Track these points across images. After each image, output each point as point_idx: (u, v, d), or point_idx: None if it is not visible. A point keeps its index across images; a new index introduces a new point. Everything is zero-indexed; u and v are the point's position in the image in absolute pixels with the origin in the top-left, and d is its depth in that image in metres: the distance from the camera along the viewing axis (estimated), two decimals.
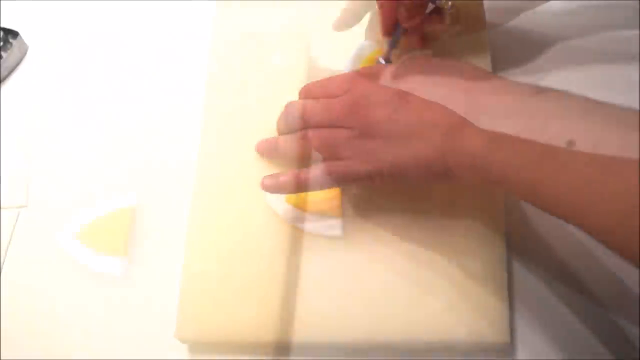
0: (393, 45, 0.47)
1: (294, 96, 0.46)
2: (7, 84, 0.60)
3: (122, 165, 0.50)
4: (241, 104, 0.50)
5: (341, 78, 0.44)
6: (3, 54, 0.59)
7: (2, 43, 0.60)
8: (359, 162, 0.39)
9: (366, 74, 0.44)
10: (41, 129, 0.53)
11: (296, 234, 0.44)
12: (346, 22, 0.49)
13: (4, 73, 0.60)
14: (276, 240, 0.43)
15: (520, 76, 0.50)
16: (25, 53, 0.62)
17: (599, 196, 0.29)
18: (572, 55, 0.49)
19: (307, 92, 0.45)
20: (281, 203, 0.45)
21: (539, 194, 0.31)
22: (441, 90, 0.39)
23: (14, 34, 0.60)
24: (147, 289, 0.45)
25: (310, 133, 0.42)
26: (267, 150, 0.46)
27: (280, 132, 0.46)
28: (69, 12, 0.63)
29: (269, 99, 0.49)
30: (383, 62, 0.47)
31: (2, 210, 0.49)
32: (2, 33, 0.60)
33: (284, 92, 0.47)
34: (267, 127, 0.46)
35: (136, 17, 0.61)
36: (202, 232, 0.44)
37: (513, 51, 0.51)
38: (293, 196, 0.44)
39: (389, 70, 0.43)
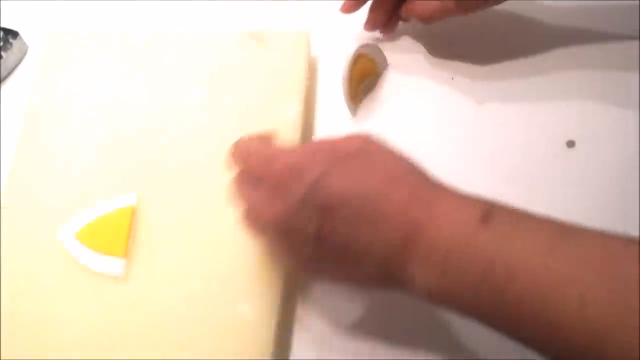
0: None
1: (294, 96, 0.46)
2: (7, 84, 0.60)
3: (122, 165, 0.50)
4: (241, 106, 0.50)
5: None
6: (3, 54, 0.59)
7: (2, 43, 0.60)
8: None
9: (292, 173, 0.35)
10: (40, 129, 0.53)
11: (81, 270, 0.45)
12: (353, 5, 0.49)
13: (3, 73, 0.60)
14: (62, 275, 0.45)
15: (520, 76, 0.50)
16: (25, 53, 0.62)
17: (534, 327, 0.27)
18: (572, 55, 0.49)
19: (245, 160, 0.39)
20: (72, 239, 0.46)
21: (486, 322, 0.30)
22: (377, 208, 0.32)
23: (14, 34, 0.60)
24: (147, 289, 0.45)
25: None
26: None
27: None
28: (68, 12, 0.63)
29: (268, 100, 0.49)
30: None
31: (2, 210, 0.49)
32: (2, 33, 0.60)
33: (285, 92, 0.47)
34: None
35: (136, 17, 0.61)
36: None
37: (513, 51, 0.51)
38: (83, 233, 0.46)
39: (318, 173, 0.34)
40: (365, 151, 0.35)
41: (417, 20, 0.49)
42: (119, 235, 0.46)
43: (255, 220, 0.37)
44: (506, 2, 0.48)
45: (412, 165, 0.35)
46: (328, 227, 0.32)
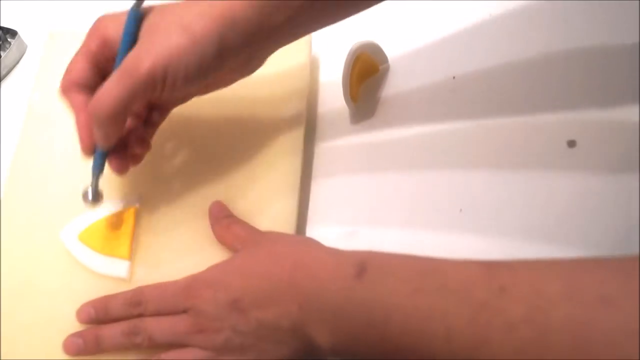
0: (96, 172, 0.42)
1: (295, 96, 0.46)
2: (6, 83, 0.60)
3: None
4: (243, 106, 0.50)
5: (173, 291, 0.41)
6: (2, 53, 0.59)
7: (0, 42, 0.59)
8: None
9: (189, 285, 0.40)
10: (41, 128, 0.53)
11: (84, 272, 0.45)
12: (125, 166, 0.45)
13: (2, 72, 0.60)
14: (64, 277, 0.45)
15: (520, 76, 0.50)
16: (24, 52, 0.61)
17: None
18: (572, 55, 0.50)
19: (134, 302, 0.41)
20: (74, 240, 0.46)
21: None
22: (272, 286, 0.37)
23: (13, 33, 0.60)
24: None
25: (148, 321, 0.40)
26: (85, 347, 0.41)
27: (96, 320, 0.42)
28: (68, 12, 0.63)
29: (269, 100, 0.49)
30: (90, 197, 0.42)
31: (2, 209, 0.49)
32: (0, 32, 0.60)
33: (286, 92, 0.47)
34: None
35: None
36: None
37: (513, 50, 0.51)
38: (86, 234, 0.46)
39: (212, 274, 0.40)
40: (246, 251, 0.41)
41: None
42: (122, 237, 0.46)
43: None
44: (506, 2, 0.48)
45: (291, 239, 0.41)
46: (241, 319, 0.37)
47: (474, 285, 0.29)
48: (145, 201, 0.48)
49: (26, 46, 0.62)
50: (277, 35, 0.40)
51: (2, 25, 0.61)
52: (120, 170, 0.42)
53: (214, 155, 0.49)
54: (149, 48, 0.37)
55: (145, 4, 0.40)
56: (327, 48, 0.55)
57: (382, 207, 0.47)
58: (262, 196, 0.47)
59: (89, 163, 0.47)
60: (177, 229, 0.46)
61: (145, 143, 0.44)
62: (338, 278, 0.34)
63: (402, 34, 0.55)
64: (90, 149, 0.41)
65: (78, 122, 0.40)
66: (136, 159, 0.44)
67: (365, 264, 0.34)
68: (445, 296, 0.30)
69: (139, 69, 0.36)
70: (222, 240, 0.44)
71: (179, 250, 0.46)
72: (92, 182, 0.42)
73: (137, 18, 0.39)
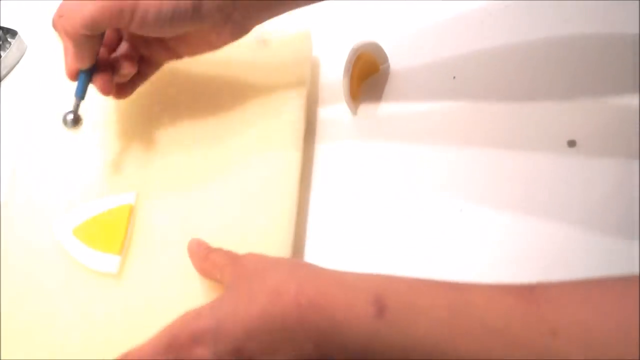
0: (78, 94, 0.45)
1: (296, 96, 0.45)
2: (6, 83, 0.60)
3: (122, 163, 0.50)
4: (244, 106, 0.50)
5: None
6: (2, 53, 0.59)
7: (1, 42, 0.59)
8: None
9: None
10: (40, 128, 0.53)
11: (77, 267, 0.45)
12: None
13: (3, 72, 0.60)
14: (59, 273, 0.45)
15: (520, 76, 0.50)
16: (24, 52, 0.62)
17: None
18: (572, 54, 0.49)
19: None
20: (68, 235, 0.46)
21: None
22: (283, 326, 0.33)
23: (13, 33, 0.60)
24: (144, 287, 0.45)
25: None
26: None
27: None
28: None
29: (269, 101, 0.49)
30: (71, 118, 0.45)
31: (2, 209, 0.49)
32: (1, 32, 0.60)
33: (286, 91, 0.47)
34: None
35: None
36: None
37: (513, 50, 0.51)
38: (80, 229, 0.46)
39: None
40: (235, 289, 0.36)
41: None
42: (115, 233, 0.46)
43: None
44: (506, 2, 0.48)
45: (283, 269, 0.35)
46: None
47: (516, 323, 0.27)
48: (140, 199, 0.48)
49: (26, 46, 0.62)
50: (261, 3, 0.43)
51: (3, 25, 0.61)
52: (104, 89, 0.45)
53: (213, 153, 0.49)
54: None
55: None
56: (328, 47, 0.55)
57: (382, 206, 0.47)
58: (261, 196, 0.47)
59: (87, 162, 0.47)
60: (171, 227, 0.46)
61: (131, 62, 0.46)
62: (357, 319, 0.31)
63: (402, 34, 0.55)
64: (73, 72, 0.44)
65: (64, 49, 0.43)
66: (122, 78, 0.46)
67: (383, 300, 0.31)
68: (487, 337, 0.28)
69: None
70: (203, 272, 0.42)
71: (172, 248, 0.45)
72: (73, 105, 0.45)
73: None
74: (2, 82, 0.60)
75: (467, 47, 0.53)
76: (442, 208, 0.45)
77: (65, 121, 0.46)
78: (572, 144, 0.45)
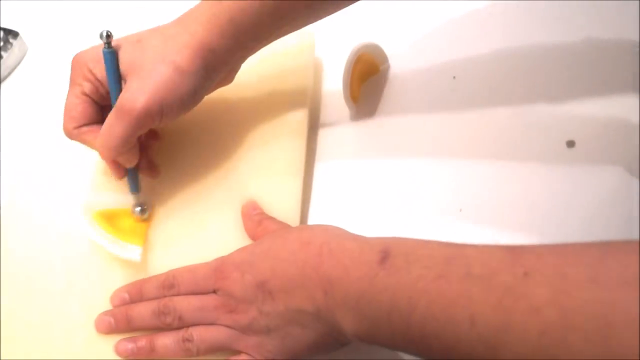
0: (135, 188, 0.47)
1: (296, 95, 0.46)
2: (7, 83, 0.60)
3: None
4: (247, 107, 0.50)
5: (202, 273, 0.42)
6: (3, 53, 0.59)
7: (2, 43, 0.60)
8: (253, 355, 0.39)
9: (218, 267, 0.41)
10: (40, 129, 0.53)
11: (78, 267, 0.46)
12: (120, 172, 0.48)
13: (4, 73, 0.60)
14: (59, 271, 0.46)
15: (520, 76, 0.50)
16: (25, 53, 0.62)
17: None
18: (572, 55, 0.50)
19: (164, 286, 0.42)
20: (91, 226, 0.46)
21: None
22: (298, 271, 0.37)
23: (14, 34, 0.60)
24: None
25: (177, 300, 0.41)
26: (116, 326, 0.42)
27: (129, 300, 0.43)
28: (68, 13, 0.63)
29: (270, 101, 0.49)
30: (138, 210, 0.46)
31: (2, 209, 0.49)
32: (2, 33, 0.60)
33: (288, 93, 0.47)
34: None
35: (138, 18, 0.61)
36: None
37: (513, 50, 0.51)
38: (100, 216, 0.46)
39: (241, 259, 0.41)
40: (275, 235, 0.41)
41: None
42: (138, 229, 0.47)
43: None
44: (506, 2, 0.48)
45: (318, 227, 0.40)
46: (268, 301, 0.38)
47: (498, 271, 0.29)
48: (159, 196, 0.48)
49: (27, 47, 0.62)
50: (252, 51, 0.45)
51: (4, 26, 0.61)
52: (153, 175, 0.48)
53: (218, 155, 0.49)
54: (142, 86, 0.41)
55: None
56: (329, 49, 0.55)
57: (383, 207, 0.47)
58: (264, 197, 0.47)
59: (87, 163, 0.47)
60: (186, 227, 0.47)
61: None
62: (362, 264, 0.34)
63: (402, 34, 0.55)
64: (120, 173, 0.46)
65: (105, 157, 0.44)
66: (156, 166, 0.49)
67: (389, 250, 0.34)
68: (469, 282, 0.30)
69: (136, 108, 0.40)
70: (253, 234, 0.45)
71: (191, 240, 0.46)
72: (136, 200, 0.47)
73: (113, 55, 0.42)
74: (3, 83, 0.60)
75: (467, 47, 0.53)
76: (442, 208, 0.45)
77: (135, 212, 0.47)
78: (571, 144, 0.45)
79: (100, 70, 0.43)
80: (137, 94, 0.40)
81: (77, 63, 0.44)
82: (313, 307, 0.36)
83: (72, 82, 0.44)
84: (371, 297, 0.33)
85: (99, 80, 0.43)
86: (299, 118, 0.49)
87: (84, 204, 0.47)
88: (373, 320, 0.33)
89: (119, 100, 0.41)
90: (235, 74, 0.47)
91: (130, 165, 0.45)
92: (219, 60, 0.42)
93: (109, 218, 0.47)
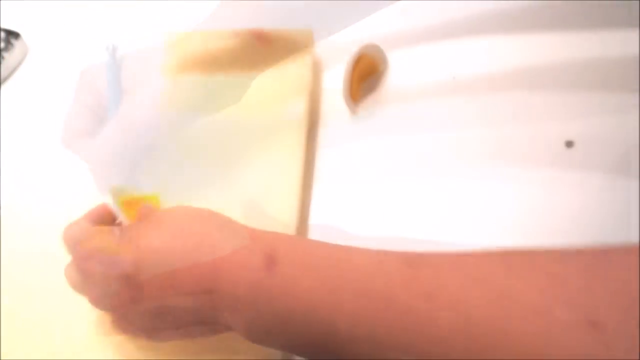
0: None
1: (296, 95, 0.46)
2: (8, 84, 0.60)
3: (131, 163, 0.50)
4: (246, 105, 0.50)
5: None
6: (4, 54, 0.59)
7: (3, 44, 0.60)
8: None
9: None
10: (41, 130, 0.53)
11: None
12: None
13: (5, 73, 0.60)
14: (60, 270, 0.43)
15: (519, 76, 0.50)
16: (26, 54, 0.62)
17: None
18: (572, 54, 0.50)
19: None
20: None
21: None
22: (176, 259, 0.34)
23: (16, 35, 0.61)
24: None
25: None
26: None
27: None
28: (70, 14, 0.63)
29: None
30: None
31: (2, 209, 0.49)
32: (3, 34, 0.60)
33: (288, 93, 0.47)
34: None
35: (138, 18, 0.61)
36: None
37: (513, 50, 0.51)
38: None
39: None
40: (155, 217, 0.37)
41: None
42: None
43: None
44: (506, 2, 0.48)
45: (201, 214, 0.36)
46: (137, 296, 0.34)
47: (398, 287, 0.29)
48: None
49: (28, 48, 0.62)
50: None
51: (5, 27, 0.61)
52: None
53: (217, 155, 0.49)
54: (142, 99, 0.40)
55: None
56: (329, 49, 0.55)
57: (382, 207, 0.47)
58: (263, 196, 0.47)
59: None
60: None
61: None
62: (246, 268, 0.32)
63: (402, 34, 0.55)
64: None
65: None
66: None
67: (275, 255, 0.32)
68: (369, 301, 0.29)
69: (134, 122, 0.40)
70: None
71: None
72: None
73: (116, 69, 0.42)
74: (4, 84, 0.60)
75: (467, 47, 0.53)
76: (442, 208, 0.45)
77: None
78: (569, 144, 0.45)
79: (104, 84, 0.42)
80: (136, 108, 0.41)
81: (84, 77, 0.43)
82: (192, 303, 0.33)
83: (77, 94, 0.43)
84: (260, 303, 0.32)
85: (103, 92, 0.42)
86: (298, 117, 0.49)
87: (113, 189, 0.47)
88: (263, 325, 0.32)
89: (119, 113, 0.41)
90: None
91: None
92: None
93: (133, 205, 0.46)
